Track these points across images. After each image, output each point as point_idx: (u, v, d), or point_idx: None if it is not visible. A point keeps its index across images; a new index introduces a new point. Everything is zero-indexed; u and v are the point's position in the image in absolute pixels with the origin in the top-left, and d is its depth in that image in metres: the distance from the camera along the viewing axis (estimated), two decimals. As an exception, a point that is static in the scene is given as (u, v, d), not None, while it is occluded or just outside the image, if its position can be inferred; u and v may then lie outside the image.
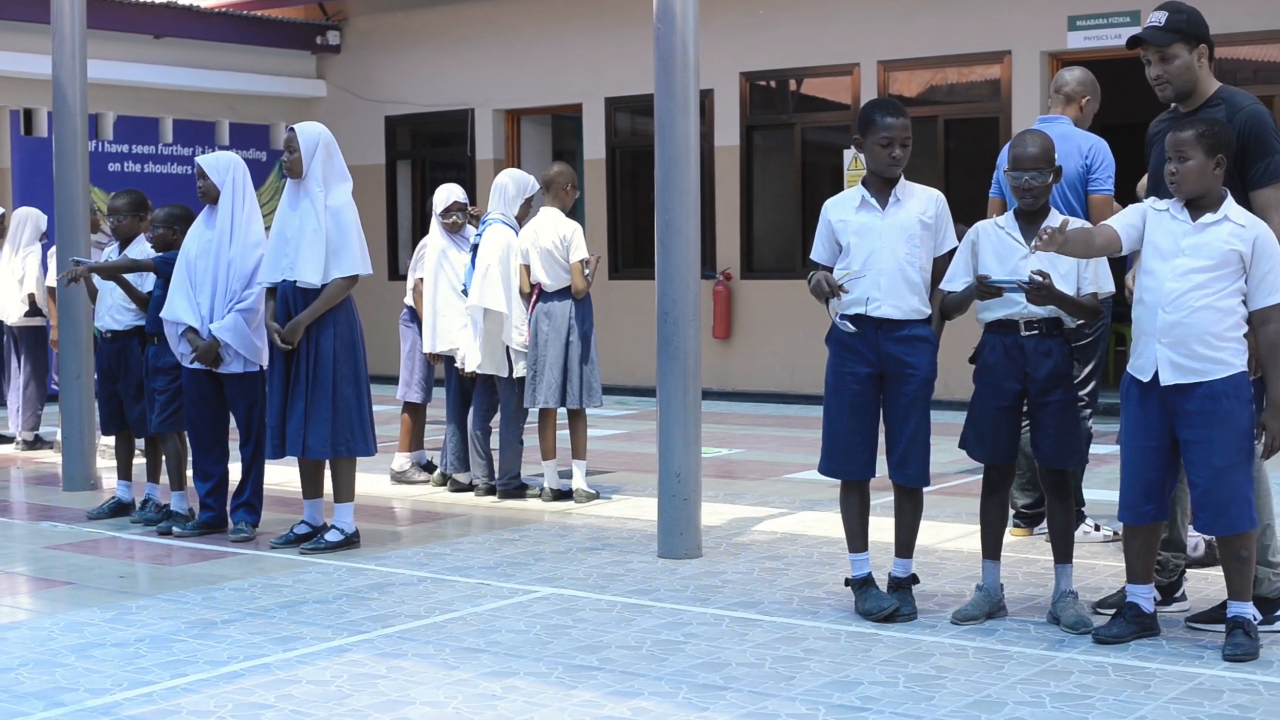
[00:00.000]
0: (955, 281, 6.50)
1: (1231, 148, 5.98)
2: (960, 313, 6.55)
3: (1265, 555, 6.32)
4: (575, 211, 9.38)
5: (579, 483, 9.71)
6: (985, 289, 6.27)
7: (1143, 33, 6.24)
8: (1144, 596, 6.18)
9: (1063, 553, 6.49)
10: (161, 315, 8.61)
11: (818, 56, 16.25)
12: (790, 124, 16.69)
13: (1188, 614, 6.50)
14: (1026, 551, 7.85)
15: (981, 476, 6.66)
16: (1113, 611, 6.36)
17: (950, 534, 8.36)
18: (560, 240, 9.49)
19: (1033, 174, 6.40)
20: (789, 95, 16.94)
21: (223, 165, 8.63)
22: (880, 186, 6.58)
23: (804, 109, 16.82)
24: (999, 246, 6.44)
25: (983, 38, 15.22)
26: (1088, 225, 6.36)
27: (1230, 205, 5.96)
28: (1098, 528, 8.17)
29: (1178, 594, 6.60)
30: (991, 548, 6.59)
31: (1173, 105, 6.37)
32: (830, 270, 6.53)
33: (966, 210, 9.78)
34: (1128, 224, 6.10)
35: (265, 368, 8.49)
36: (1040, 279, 6.11)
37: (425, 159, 19.76)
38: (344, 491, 8.29)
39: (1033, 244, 6.04)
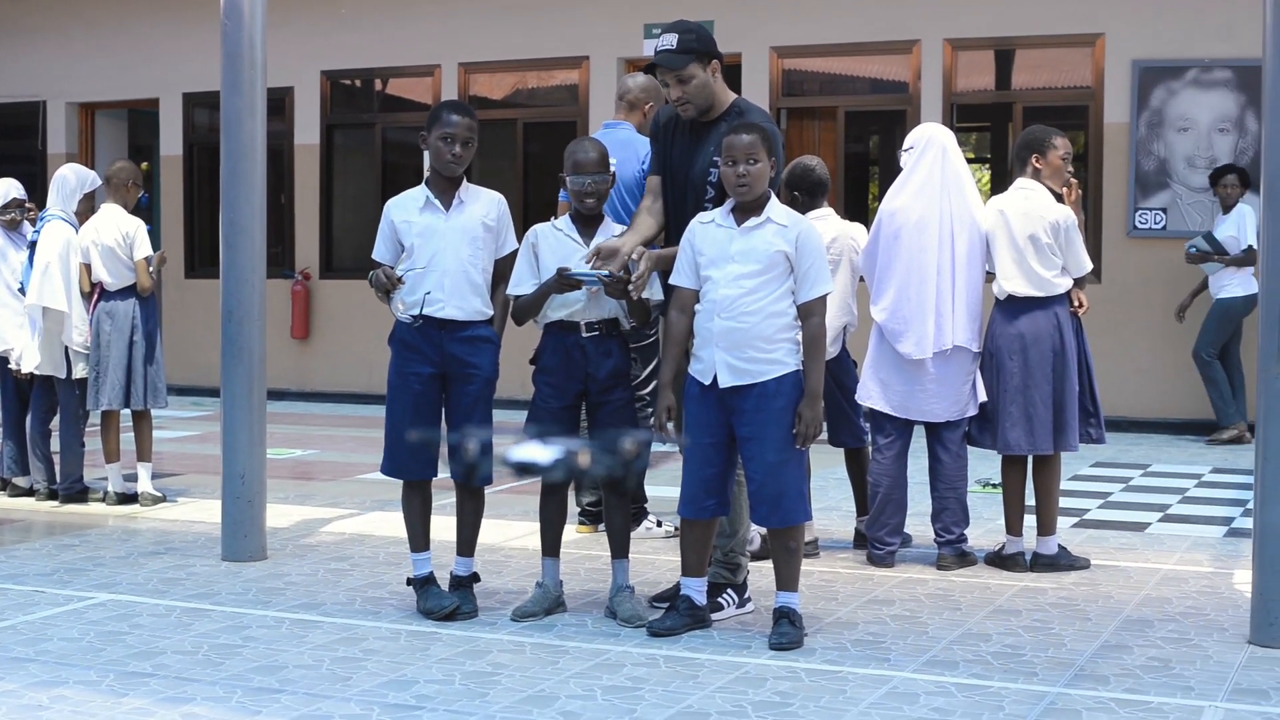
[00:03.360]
0: (523, 285, 6.59)
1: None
2: (532, 315, 6.62)
3: (742, 547, 6.64)
4: (152, 209, 9.19)
5: (144, 485, 9.50)
6: (565, 282, 6.35)
7: (658, 57, 6.41)
8: (697, 589, 6.36)
9: (620, 548, 6.64)
10: None
11: (400, 57, 16.23)
12: (371, 124, 16.63)
13: (651, 594, 6.82)
14: (590, 548, 7.99)
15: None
16: (667, 605, 6.53)
17: (516, 532, 8.46)
18: (123, 238, 9.26)
19: (594, 178, 6.55)
20: (372, 95, 16.87)
21: None
22: (444, 188, 6.62)
23: (386, 109, 16.77)
24: (558, 248, 6.56)
25: (562, 43, 15.43)
26: (660, 254, 6.48)
27: (773, 206, 6.19)
28: (659, 524, 8.38)
29: (747, 594, 6.79)
30: (551, 545, 6.69)
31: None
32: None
33: (546, 213, 9.91)
34: (681, 259, 6.28)
35: None
36: (621, 274, 6.23)
37: (-8, 152, 19.02)
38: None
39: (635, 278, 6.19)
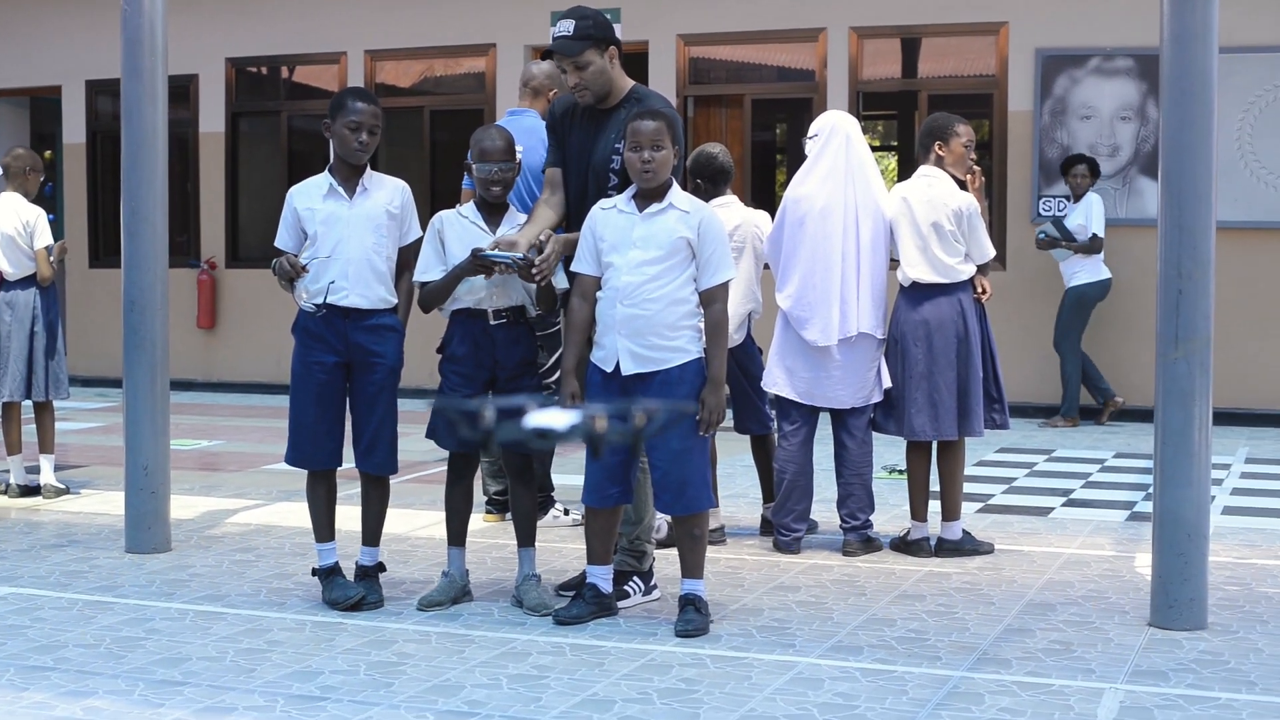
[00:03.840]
0: (430, 272, 6.56)
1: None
2: (441, 301, 6.57)
3: (648, 535, 6.68)
4: (55, 197, 9.08)
5: (47, 478, 9.38)
6: (480, 263, 6.32)
7: (555, 44, 6.41)
8: (603, 577, 6.36)
9: (526, 536, 6.63)
10: None
11: (306, 44, 16.13)
12: (277, 111, 16.51)
13: (558, 582, 6.85)
14: (497, 537, 7.98)
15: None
16: (573, 593, 6.53)
17: (422, 521, 8.43)
18: (23, 226, 9.16)
19: (500, 166, 6.54)
20: (278, 82, 16.74)
21: None
22: (348, 175, 6.59)
23: (292, 96, 16.65)
24: (464, 234, 6.53)
25: (469, 30, 15.38)
26: (567, 238, 6.46)
27: (675, 193, 6.20)
28: (567, 512, 8.38)
29: (654, 581, 6.79)
30: (457, 534, 6.67)
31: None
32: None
33: (452, 200, 9.85)
34: (582, 246, 6.28)
35: None
36: (533, 256, 6.22)
37: (-111, 140, 18.72)
38: None
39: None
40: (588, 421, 2.88)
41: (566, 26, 6.40)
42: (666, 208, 6.16)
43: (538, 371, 6.75)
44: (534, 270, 6.23)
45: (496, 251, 6.28)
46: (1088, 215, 12.72)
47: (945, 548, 7.61)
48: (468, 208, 6.65)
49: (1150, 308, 6.44)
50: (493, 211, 6.60)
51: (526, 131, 7.76)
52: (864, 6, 14.12)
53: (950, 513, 7.65)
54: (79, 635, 6.16)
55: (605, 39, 6.41)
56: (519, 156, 6.71)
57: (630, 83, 6.54)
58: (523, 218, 6.62)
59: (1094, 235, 12.66)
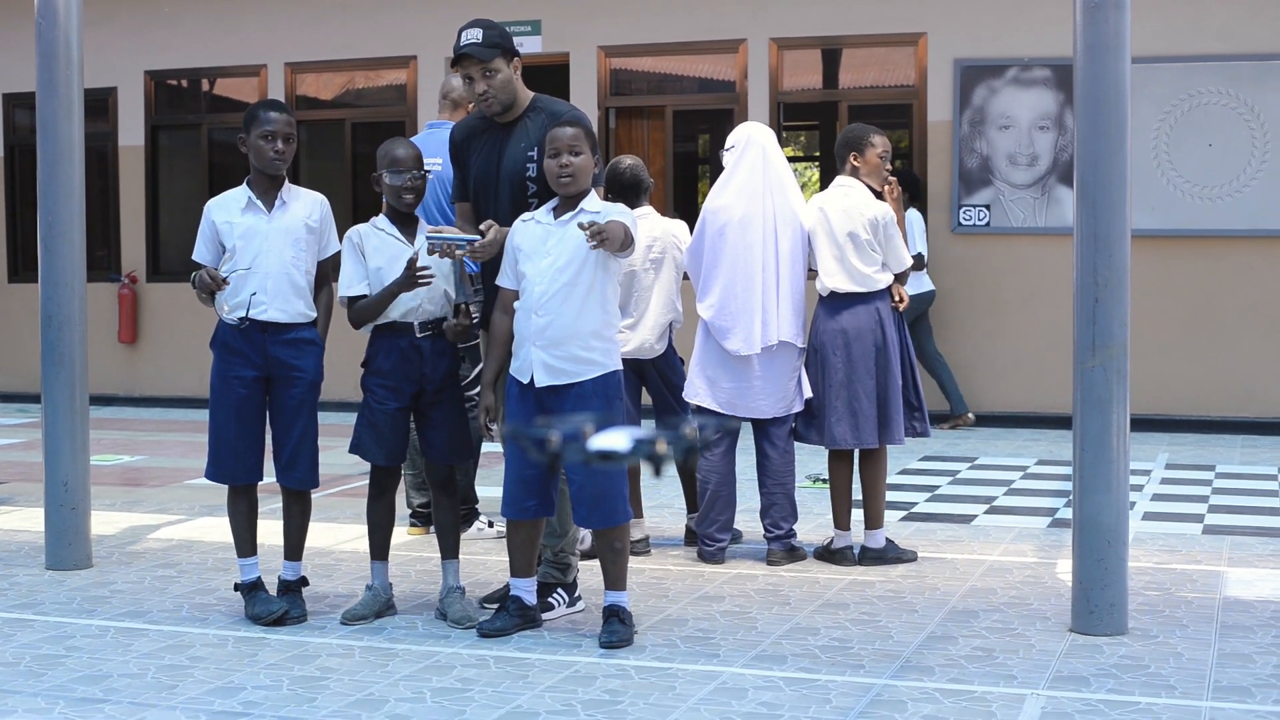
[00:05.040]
0: (355, 286, 6.52)
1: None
2: (374, 318, 6.51)
3: (572, 546, 6.69)
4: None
5: (-35, 495, 9.31)
6: (433, 247, 6.20)
7: (467, 49, 6.43)
8: (526, 590, 6.36)
9: (449, 549, 6.61)
10: None
11: (226, 57, 16.03)
12: (198, 124, 16.41)
13: (482, 595, 6.83)
14: (421, 550, 7.96)
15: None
16: (497, 606, 6.52)
17: (345, 535, 8.40)
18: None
19: (413, 175, 6.53)
20: (198, 95, 16.64)
21: None
22: (266, 188, 6.56)
23: (213, 109, 16.55)
24: (383, 247, 6.51)
25: (389, 42, 15.33)
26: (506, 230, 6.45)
27: (590, 199, 6.22)
28: (491, 524, 8.36)
29: (578, 593, 6.79)
30: (380, 548, 6.65)
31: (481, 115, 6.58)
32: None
33: (374, 213, 9.82)
34: (504, 260, 6.27)
35: None
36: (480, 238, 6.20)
37: None
38: None
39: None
40: (650, 441, 2.91)
41: (475, 34, 6.44)
42: (578, 213, 6.16)
43: (460, 382, 6.73)
44: (477, 246, 6.20)
45: (449, 234, 6.24)
46: (910, 235, 12.78)
47: (869, 556, 7.65)
48: (381, 221, 6.62)
49: (1069, 316, 6.48)
50: (405, 222, 6.58)
51: (443, 144, 7.74)
52: (784, 18, 14.18)
53: (874, 521, 7.69)
54: (-2, 654, 6.11)
55: (511, 50, 6.46)
56: (428, 168, 6.73)
57: (530, 94, 6.57)
58: (430, 230, 6.58)
59: (918, 254, 12.74)
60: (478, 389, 7.88)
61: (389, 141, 6.69)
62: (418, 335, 6.52)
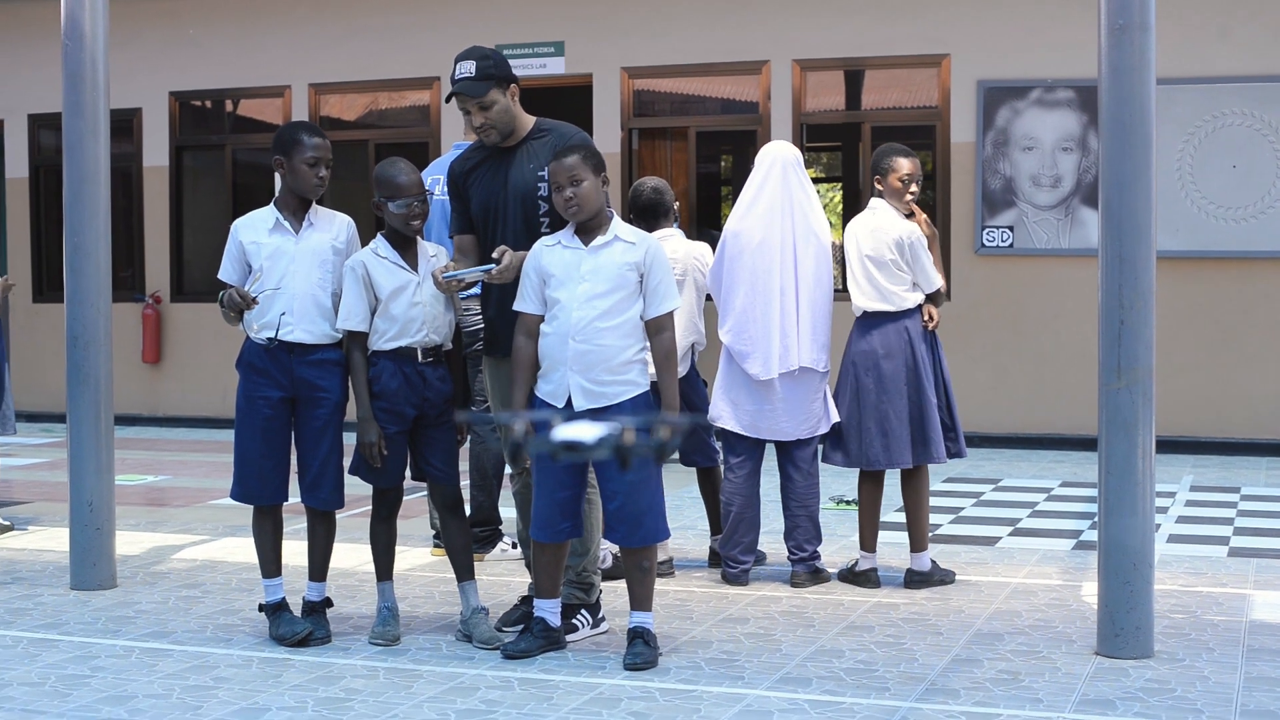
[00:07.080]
0: (353, 318, 6.46)
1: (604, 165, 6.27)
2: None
3: (594, 565, 6.67)
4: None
5: (-10, 515, 9.33)
6: (449, 284, 6.24)
7: (458, 86, 6.42)
8: (551, 611, 6.35)
9: (464, 570, 6.60)
10: None
11: (250, 78, 16.11)
12: (222, 145, 16.47)
13: (499, 618, 6.79)
14: (445, 570, 7.94)
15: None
16: (520, 627, 6.52)
17: (368, 556, 8.23)
18: (-34, 262, 9.12)
19: (418, 199, 6.51)
20: (222, 116, 16.71)
21: None
22: (295, 209, 6.56)
23: (237, 130, 16.62)
24: (387, 275, 6.47)
25: (413, 64, 15.38)
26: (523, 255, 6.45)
27: (617, 224, 6.22)
28: (515, 545, 8.36)
29: (601, 614, 6.78)
30: (386, 569, 6.67)
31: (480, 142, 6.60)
32: (241, 292, 6.46)
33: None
34: (525, 284, 6.27)
35: None
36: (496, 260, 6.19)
37: None
38: None
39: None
40: (616, 433, 2.89)
41: (468, 68, 6.42)
42: (612, 240, 6.17)
43: (455, 408, 6.67)
44: (494, 273, 6.19)
45: (462, 270, 6.25)
46: None
47: (915, 579, 7.61)
48: (382, 246, 6.53)
49: (1093, 338, 6.47)
50: (406, 246, 6.56)
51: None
52: (807, 39, 14.20)
53: (918, 544, 7.64)
54: (23, 673, 6.11)
55: (506, 78, 6.43)
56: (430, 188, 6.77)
57: (532, 118, 6.56)
58: (431, 250, 6.58)
59: None
60: (486, 404, 7.82)
61: (385, 166, 6.60)
62: (420, 361, 6.50)
